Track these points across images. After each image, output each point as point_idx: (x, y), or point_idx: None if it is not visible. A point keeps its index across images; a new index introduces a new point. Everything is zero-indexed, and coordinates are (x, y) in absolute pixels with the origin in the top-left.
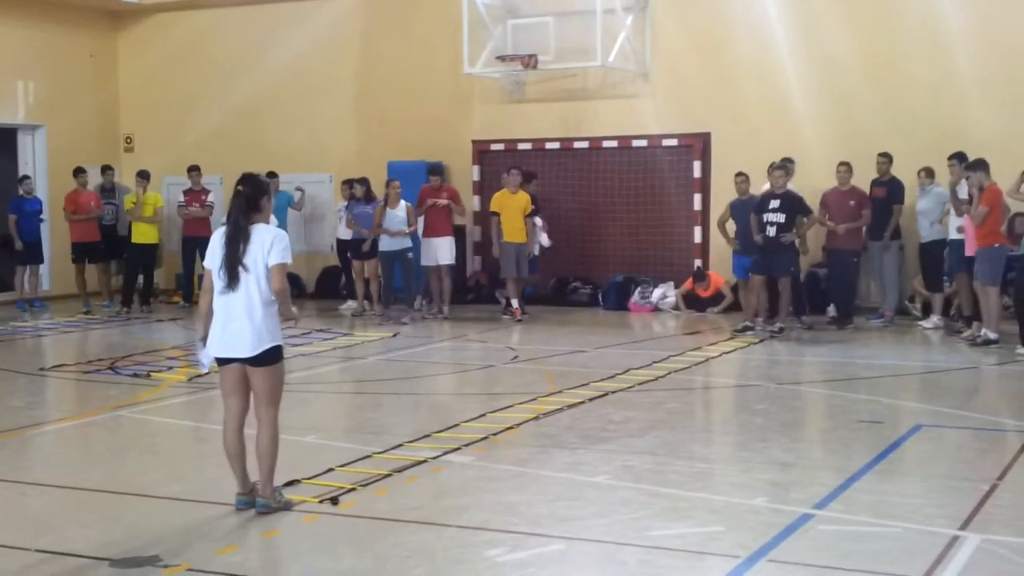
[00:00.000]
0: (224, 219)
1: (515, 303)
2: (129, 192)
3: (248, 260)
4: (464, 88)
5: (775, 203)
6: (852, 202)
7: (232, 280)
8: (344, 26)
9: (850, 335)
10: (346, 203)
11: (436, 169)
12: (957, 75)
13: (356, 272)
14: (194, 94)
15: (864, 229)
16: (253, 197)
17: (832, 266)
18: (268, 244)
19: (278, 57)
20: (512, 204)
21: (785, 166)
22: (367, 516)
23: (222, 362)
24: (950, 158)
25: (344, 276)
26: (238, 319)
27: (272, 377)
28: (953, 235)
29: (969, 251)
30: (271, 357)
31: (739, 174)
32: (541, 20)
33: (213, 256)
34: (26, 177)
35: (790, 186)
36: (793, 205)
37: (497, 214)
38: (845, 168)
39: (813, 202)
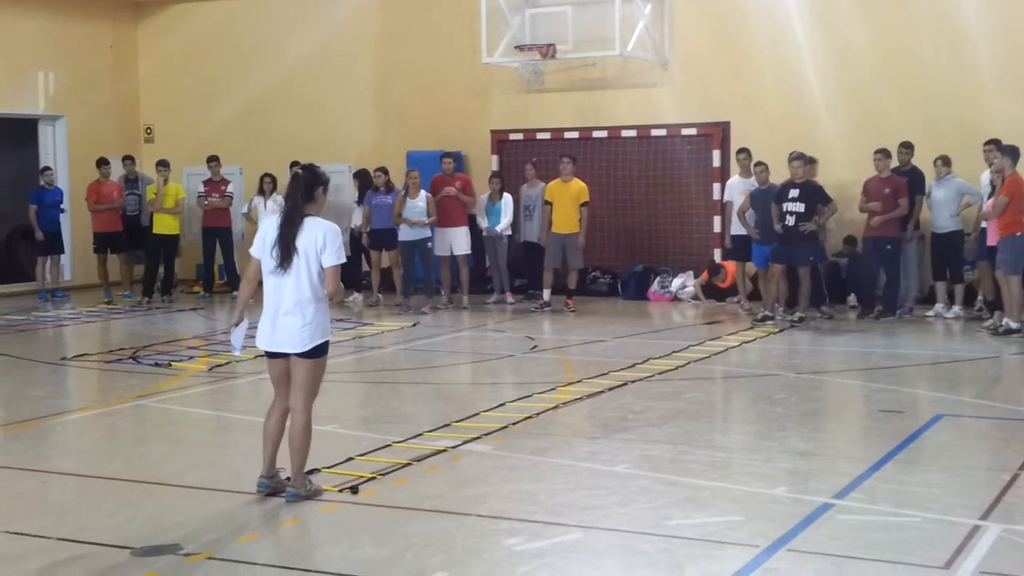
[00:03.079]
0: (244, 209)
1: (546, 294)
2: (151, 183)
3: (299, 245)
4: (482, 78)
5: (795, 192)
6: (888, 190)
7: (284, 260)
8: (363, 16)
9: (869, 325)
10: (357, 194)
11: (450, 154)
12: (975, 63)
13: (373, 262)
14: (214, 85)
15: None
16: (311, 184)
17: (867, 254)
18: (321, 240)
19: (297, 48)
20: (564, 193)
21: (804, 156)
22: (387, 505)
23: (271, 355)
24: (986, 144)
25: (369, 266)
26: (289, 313)
27: (315, 369)
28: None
29: (991, 240)
30: (318, 350)
31: (758, 163)
32: (559, 9)
33: (263, 242)
34: (47, 168)
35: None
36: (813, 194)
37: (549, 204)
38: (880, 156)
39: (832, 191)
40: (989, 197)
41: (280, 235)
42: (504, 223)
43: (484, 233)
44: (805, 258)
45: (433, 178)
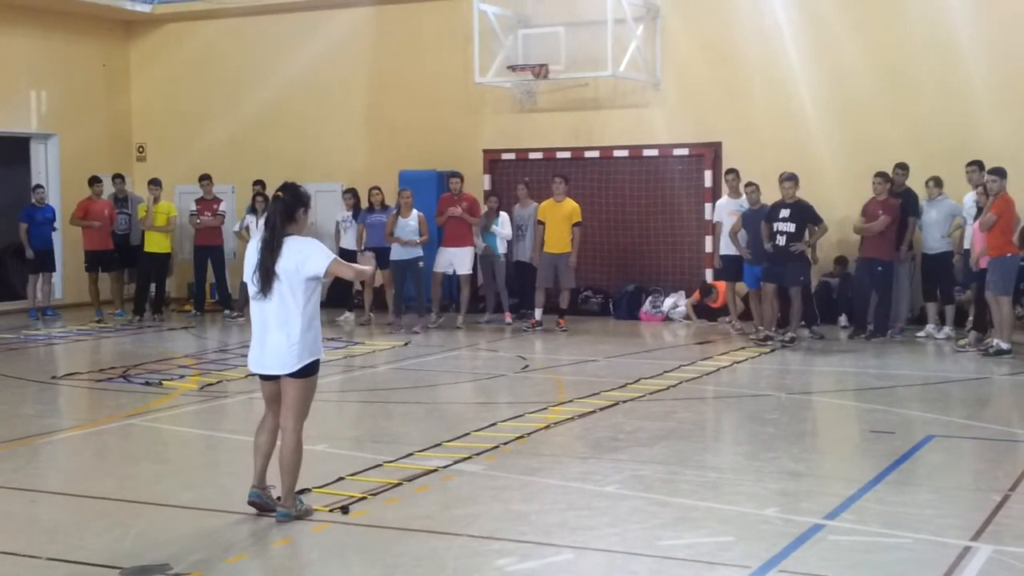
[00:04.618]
0: (235, 228)
1: (537, 313)
2: (142, 201)
3: (280, 269)
4: (475, 97)
5: (785, 212)
6: (881, 212)
7: (264, 286)
8: (355, 36)
9: (861, 345)
10: (348, 213)
11: (456, 174)
12: (967, 84)
13: (366, 281)
14: (206, 104)
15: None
16: (291, 206)
17: (860, 276)
18: (301, 257)
19: (289, 67)
20: (556, 213)
21: (795, 176)
22: (377, 525)
23: (262, 376)
24: (968, 165)
25: (361, 285)
26: (274, 334)
27: (305, 389)
28: (968, 244)
29: (984, 263)
30: (308, 370)
31: (749, 184)
32: (552, 30)
33: (249, 266)
34: (39, 186)
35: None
36: (804, 214)
37: (542, 223)
38: (879, 179)
39: (823, 211)
40: (975, 219)
41: (260, 261)
42: (505, 231)
43: (480, 252)
44: (795, 278)
45: (441, 197)
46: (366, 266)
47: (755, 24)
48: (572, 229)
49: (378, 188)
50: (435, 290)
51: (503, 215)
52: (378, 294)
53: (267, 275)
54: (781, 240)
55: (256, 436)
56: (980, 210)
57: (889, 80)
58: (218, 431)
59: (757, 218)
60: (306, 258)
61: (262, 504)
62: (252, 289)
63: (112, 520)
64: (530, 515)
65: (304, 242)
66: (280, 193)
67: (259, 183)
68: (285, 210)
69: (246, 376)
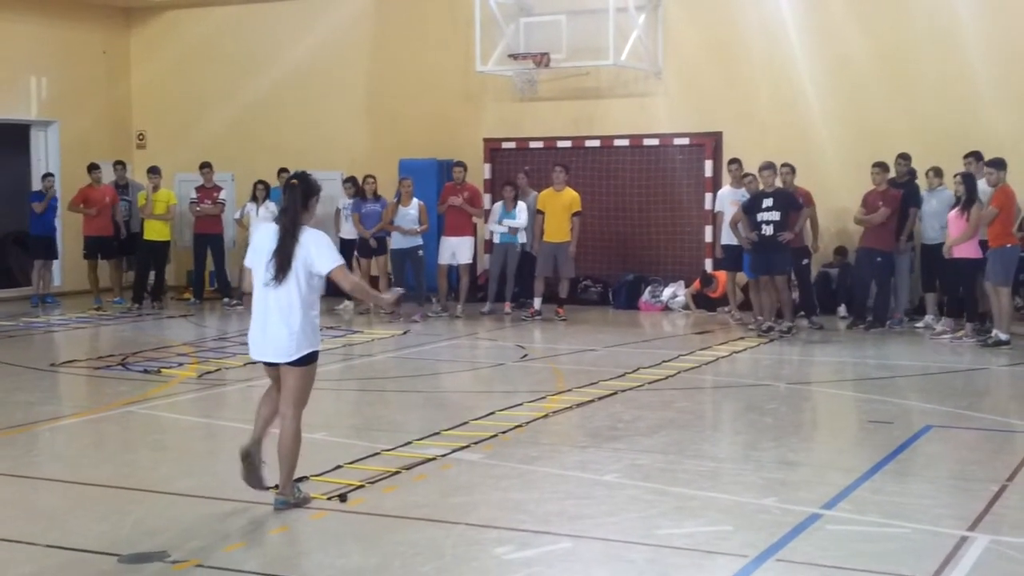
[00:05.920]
0: (235, 216)
1: (537, 302)
2: (142, 189)
3: (295, 259)
4: (476, 86)
5: (768, 202)
6: (880, 203)
7: (279, 273)
8: (356, 24)
9: (859, 335)
10: (350, 201)
11: (460, 163)
12: (970, 75)
13: (363, 271)
14: (206, 91)
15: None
16: (306, 195)
17: (860, 266)
18: (314, 250)
19: (290, 55)
20: (556, 202)
21: (772, 165)
22: (376, 513)
23: (264, 363)
24: (965, 156)
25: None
26: (276, 323)
27: (304, 377)
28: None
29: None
30: (307, 359)
31: (747, 174)
32: (553, 18)
33: (258, 252)
34: (49, 174)
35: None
36: (786, 202)
37: (542, 213)
38: (877, 169)
39: (825, 201)
40: (954, 207)
41: (279, 248)
42: (521, 219)
43: (495, 240)
44: (782, 267)
45: (445, 186)
46: (385, 295)
47: (757, 13)
48: (572, 218)
49: (372, 177)
50: (441, 282)
51: (521, 204)
52: (374, 283)
53: (284, 263)
54: (768, 230)
55: (260, 406)
56: (958, 200)
57: (892, 69)
58: (216, 419)
59: None
60: (317, 254)
61: (252, 460)
62: (263, 275)
63: (110, 507)
64: (528, 504)
65: (318, 236)
66: (295, 181)
67: (284, 171)
68: (302, 198)
69: (244, 364)
